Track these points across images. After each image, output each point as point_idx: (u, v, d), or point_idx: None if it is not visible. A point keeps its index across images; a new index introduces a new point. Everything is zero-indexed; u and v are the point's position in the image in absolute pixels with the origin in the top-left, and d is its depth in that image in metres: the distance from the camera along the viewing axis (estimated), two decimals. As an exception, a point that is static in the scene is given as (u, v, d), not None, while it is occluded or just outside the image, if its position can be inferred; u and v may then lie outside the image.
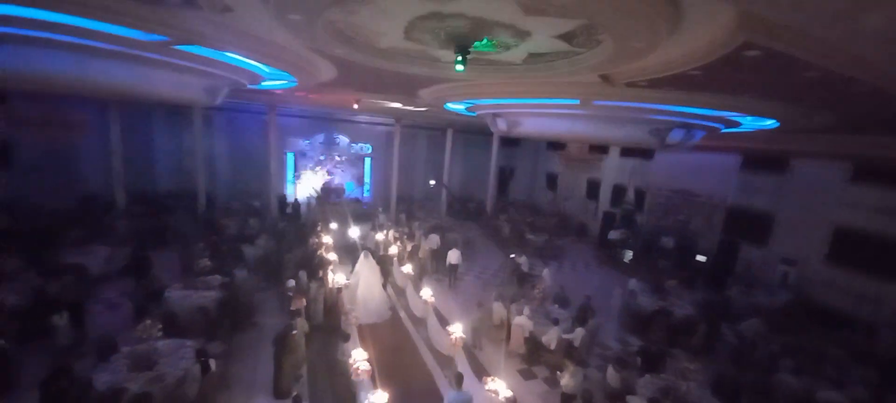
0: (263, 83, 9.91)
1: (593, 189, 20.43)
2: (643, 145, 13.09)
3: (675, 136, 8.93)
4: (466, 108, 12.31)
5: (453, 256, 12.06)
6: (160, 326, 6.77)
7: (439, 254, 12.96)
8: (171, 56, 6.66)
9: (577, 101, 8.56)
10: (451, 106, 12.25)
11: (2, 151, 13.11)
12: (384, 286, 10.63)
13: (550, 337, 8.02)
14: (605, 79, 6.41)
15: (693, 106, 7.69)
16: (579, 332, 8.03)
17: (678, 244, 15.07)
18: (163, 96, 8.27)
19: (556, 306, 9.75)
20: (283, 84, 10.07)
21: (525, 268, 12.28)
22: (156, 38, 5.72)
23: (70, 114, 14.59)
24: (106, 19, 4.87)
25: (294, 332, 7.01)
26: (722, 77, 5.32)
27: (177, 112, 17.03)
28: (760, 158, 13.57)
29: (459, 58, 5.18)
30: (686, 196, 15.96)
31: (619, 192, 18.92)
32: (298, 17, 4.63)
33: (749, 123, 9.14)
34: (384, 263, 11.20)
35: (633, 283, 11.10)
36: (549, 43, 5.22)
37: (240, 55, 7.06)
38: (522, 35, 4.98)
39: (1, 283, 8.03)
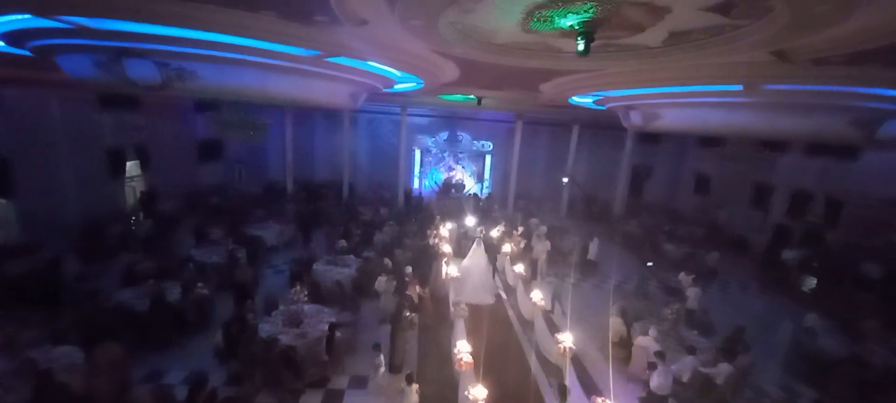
0: (395, 86, 10.88)
1: (762, 195, 16.53)
2: (842, 141, 9.98)
3: (892, 130, 6.55)
4: (594, 102, 11.33)
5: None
6: (306, 293, 8.07)
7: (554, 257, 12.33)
8: (323, 67, 7.82)
9: (740, 87, 7.02)
10: (576, 100, 11.43)
11: (216, 147, 17.44)
12: (493, 275, 11.13)
13: (683, 368, 6.82)
14: (780, 56, 5.07)
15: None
16: (724, 368, 6.62)
17: (889, 273, 11.13)
18: (318, 101, 9.84)
19: (695, 332, 8.25)
20: (411, 86, 10.88)
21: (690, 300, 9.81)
22: (312, 52, 6.80)
23: (259, 119, 18.59)
24: (277, 40, 5.99)
25: (407, 314, 7.54)
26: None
27: (331, 115, 20.09)
28: None
29: (582, 45, 4.73)
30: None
31: (800, 201, 14.90)
32: (419, 21, 4.89)
33: None
34: (492, 250, 11.85)
35: (811, 319, 8.65)
36: (697, 17, 4.35)
37: (375, 62, 7.88)
38: (660, 13, 4.28)
39: (207, 247, 10.72)
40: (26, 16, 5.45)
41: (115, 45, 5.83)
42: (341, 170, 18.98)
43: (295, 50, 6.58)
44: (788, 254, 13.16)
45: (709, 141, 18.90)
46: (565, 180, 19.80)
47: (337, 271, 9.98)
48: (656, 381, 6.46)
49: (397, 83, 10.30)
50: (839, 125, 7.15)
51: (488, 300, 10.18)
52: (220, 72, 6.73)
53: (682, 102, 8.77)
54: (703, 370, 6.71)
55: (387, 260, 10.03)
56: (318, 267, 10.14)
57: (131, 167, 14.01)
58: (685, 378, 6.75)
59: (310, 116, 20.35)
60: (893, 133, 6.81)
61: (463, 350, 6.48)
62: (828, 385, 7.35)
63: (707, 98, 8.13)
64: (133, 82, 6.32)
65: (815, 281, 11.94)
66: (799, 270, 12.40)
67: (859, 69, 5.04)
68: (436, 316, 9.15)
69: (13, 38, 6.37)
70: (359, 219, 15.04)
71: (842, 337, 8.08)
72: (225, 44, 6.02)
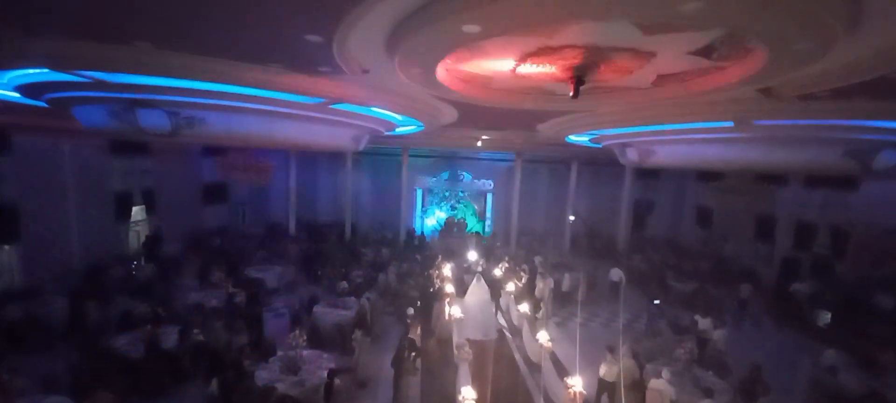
0: (396, 129, 11.20)
1: (766, 227, 16.41)
2: (839, 172, 10.06)
3: (888, 159, 6.63)
4: (590, 140, 11.57)
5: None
6: (305, 337, 7.90)
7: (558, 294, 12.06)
8: (327, 113, 8.11)
9: (731, 123, 7.19)
10: (572, 138, 11.69)
11: (221, 190, 17.72)
12: (495, 311, 10.74)
13: (699, 411, 6.52)
14: (767, 92, 5.25)
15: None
16: (742, 410, 6.33)
17: (905, 306, 10.83)
18: (322, 145, 10.13)
19: (711, 373, 7.94)
20: (412, 129, 11.20)
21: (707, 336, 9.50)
22: (317, 100, 7.09)
23: (264, 161, 19.04)
24: (281, 90, 6.27)
25: (410, 355, 7.35)
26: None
27: (334, 156, 20.51)
28: None
29: (573, 89, 4.94)
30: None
31: (805, 232, 14.78)
32: (419, 69, 5.13)
33: None
34: (494, 286, 11.51)
35: (830, 356, 8.33)
36: (681, 60, 4.57)
37: (377, 107, 8.17)
38: (646, 57, 4.49)
39: (207, 289, 10.63)
40: (44, 70, 5.77)
41: (129, 97, 6.13)
42: (343, 211, 19.13)
43: (300, 98, 6.86)
44: (799, 287, 12.87)
45: (707, 175, 19.01)
46: (572, 218, 19.82)
47: (337, 314, 9.82)
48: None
49: (398, 126, 10.61)
50: (834, 157, 7.23)
51: (491, 335, 9.98)
52: (227, 119, 7.00)
53: (677, 139, 8.94)
54: (720, 413, 6.41)
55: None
56: (318, 309, 9.99)
57: (137, 211, 14.19)
58: (701, 423, 6.43)
59: (313, 158, 20.78)
60: (890, 163, 6.87)
61: (468, 396, 6.25)
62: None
63: (700, 134, 8.30)
64: (144, 130, 6.58)
65: (829, 315, 11.61)
66: (810, 303, 12.09)
67: (846, 102, 5.19)
68: (439, 359, 8.90)
69: (31, 90, 6.70)
70: (361, 260, 14.97)
71: (860, 373, 7.74)
72: (233, 93, 6.31)
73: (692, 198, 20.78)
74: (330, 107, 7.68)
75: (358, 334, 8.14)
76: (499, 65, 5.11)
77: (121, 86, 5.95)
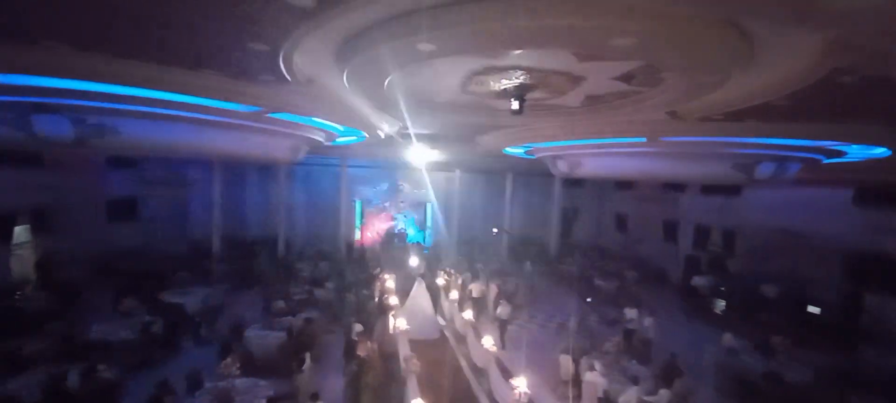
0: (337, 140, 10.91)
1: (671, 230, 18.70)
2: (728, 181, 11.86)
3: (765, 170, 8.00)
4: (525, 152, 12.31)
5: (504, 312, 10.94)
6: (239, 365, 7.30)
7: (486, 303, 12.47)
8: (263, 122, 7.66)
9: (644, 139, 8.15)
10: (509, 150, 12.34)
11: (132, 206, 15.72)
12: (436, 313, 11.67)
13: (629, 399, 7.19)
14: (674, 115, 6.07)
15: (783, 137, 6.90)
16: (665, 395, 7.11)
17: (783, 293, 12.99)
18: (257, 156, 9.50)
19: (635, 362, 8.81)
20: (353, 139, 11.00)
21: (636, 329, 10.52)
22: (253, 108, 6.68)
23: (185, 174, 17.27)
24: (214, 97, 5.82)
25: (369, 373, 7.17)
26: (814, 105, 4.76)
27: (265, 168, 19.26)
28: (880, 191, 11.53)
29: (515, 105, 5.28)
30: (791, 237, 13.86)
31: (702, 234, 17.08)
32: (367, 82, 5.12)
33: (856, 152, 7.91)
34: (435, 290, 12.31)
35: (728, 339, 9.68)
36: (607, 84, 5.14)
37: (319, 118, 7.92)
38: (577, 80, 4.98)
39: (118, 320, 9.36)
40: None
41: (25, 101, 5.25)
42: (276, 225, 18.00)
43: (234, 105, 6.43)
44: (699, 281, 14.79)
45: (624, 184, 21.25)
46: (495, 230, 20.88)
47: (274, 336, 9.20)
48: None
49: (340, 136, 10.36)
50: (724, 168, 8.54)
51: (433, 335, 10.89)
52: (146, 127, 6.29)
53: (601, 152, 9.90)
54: (646, 399, 7.13)
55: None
56: (251, 332, 9.28)
57: (20, 232, 12.03)
58: (630, 409, 7.10)
59: (240, 169, 19.31)
60: (767, 173, 8.31)
61: (417, 408, 6.24)
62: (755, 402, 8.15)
63: (620, 148, 9.29)
64: (40, 139, 5.66)
65: (725, 305, 13.51)
66: (710, 295, 13.96)
67: (736, 124, 6.20)
68: (386, 374, 8.73)
69: None
70: (298, 277, 14.19)
71: (756, 355, 9.10)
72: (154, 99, 5.71)
73: (611, 205, 22.94)
74: (267, 116, 7.29)
75: (307, 358, 7.71)
76: (446, 80, 5.30)
77: (17, 89, 5.09)
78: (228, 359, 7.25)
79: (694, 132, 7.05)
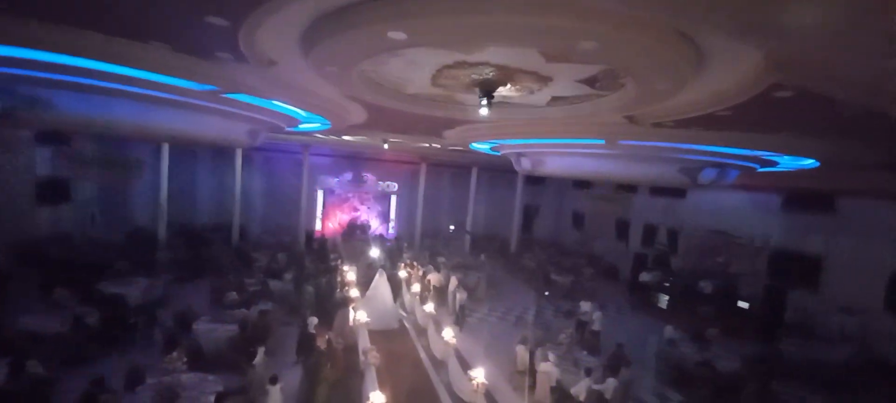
0: (300, 126, 10.51)
1: (622, 229, 19.79)
2: (674, 184, 12.70)
3: (708, 176, 8.65)
4: (491, 148, 12.49)
5: (461, 297, 11.77)
6: (185, 359, 6.91)
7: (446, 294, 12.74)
8: (219, 103, 7.22)
9: (603, 141, 8.53)
10: (476, 146, 12.47)
11: (65, 188, 14.30)
12: (396, 304, 11.81)
13: (580, 389, 7.57)
14: (631, 119, 6.39)
15: (725, 145, 7.49)
16: (611, 383, 7.55)
17: (718, 289, 14.17)
18: (211, 139, 8.90)
19: (585, 353, 9.27)
20: (317, 126, 10.63)
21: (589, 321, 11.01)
22: (207, 87, 6.27)
23: (128, 155, 15.91)
24: (164, 73, 5.40)
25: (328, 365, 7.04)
26: (753, 117, 5.20)
27: (219, 151, 18.20)
28: (804, 198, 12.84)
29: (484, 101, 5.33)
30: (725, 237, 15.14)
31: (650, 232, 18.22)
32: (334, 68, 4.96)
33: (787, 162, 8.75)
34: (396, 282, 12.48)
35: (669, 331, 10.44)
36: (572, 87, 5.32)
37: (281, 102, 7.58)
38: (544, 80, 5.12)
39: (49, 312, 8.54)
40: None
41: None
42: (230, 212, 17.11)
43: (188, 84, 6.01)
44: (646, 277, 15.79)
45: (582, 183, 22.18)
46: (452, 228, 21.15)
47: (224, 329, 8.78)
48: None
49: (302, 122, 9.98)
50: (672, 172, 9.14)
51: (393, 325, 11.05)
52: (84, 101, 5.74)
53: (563, 152, 10.26)
54: (595, 387, 7.54)
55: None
56: (200, 325, 8.80)
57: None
58: (582, 397, 7.48)
59: (191, 152, 18.12)
60: (709, 178, 8.99)
61: (376, 401, 6.22)
62: (689, 389, 8.84)
63: (581, 149, 9.67)
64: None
65: (668, 299, 14.53)
66: (655, 290, 14.96)
67: (685, 130, 6.64)
68: (346, 367, 8.61)
69: None
70: (253, 267, 13.59)
71: (694, 345, 9.88)
72: (94, 70, 5.21)
73: (570, 203, 23.88)
74: (223, 96, 6.88)
75: (261, 351, 7.42)
76: (416, 72, 5.25)
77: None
78: (174, 353, 6.83)
79: (647, 137, 7.46)
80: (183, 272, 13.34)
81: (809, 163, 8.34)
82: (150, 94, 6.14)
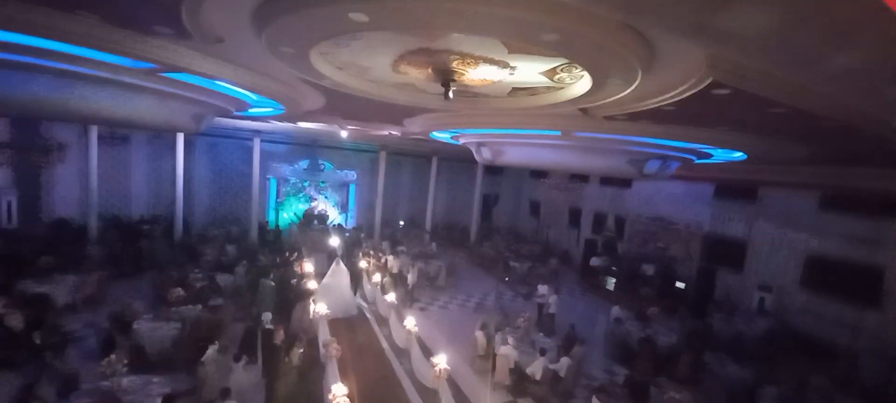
0: (250, 110, 9.91)
1: (575, 216, 20.78)
2: (622, 175, 13.45)
3: (652, 167, 9.27)
4: (451, 137, 12.52)
5: (411, 278, 12.74)
6: (126, 361, 6.40)
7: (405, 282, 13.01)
8: (158, 83, 6.62)
9: (559, 133, 8.85)
10: (436, 135, 12.45)
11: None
12: (355, 293, 11.89)
13: (536, 368, 7.94)
14: (585, 112, 6.67)
15: (668, 138, 8.05)
16: (565, 362, 7.98)
17: (658, 271, 15.36)
18: (148, 122, 8.09)
19: (542, 334, 9.70)
20: (270, 111, 10.08)
21: (546, 304, 11.54)
22: (144, 65, 5.71)
23: (49, 138, 14.18)
24: (93, 47, 4.84)
25: (287, 360, 6.80)
26: (693, 112, 5.62)
27: (156, 135, 16.73)
28: (732, 188, 14.16)
29: (445, 90, 5.33)
30: (664, 224, 16.38)
31: (600, 220, 19.28)
32: (290, 49, 4.71)
33: (720, 155, 9.58)
34: (355, 270, 12.58)
35: (616, 311, 11.18)
36: (532, 78, 5.45)
37: (228, 83, 7.08)
38: (506, 69, 5.20)
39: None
40: None
41: None
42: (171, 203, 15.89)
43: (120, 60, 5.45)
44: (596, 261, 16.75)
45: (539, 173, 22.93)
46: (401, 223, 21.19)
47: (169, 327, 8.22)
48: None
49: (252, 107, 9.42)
50: (621, 163, 9.70)
51: (352, 312, 11.16)
52: (1, 78, 5.03)
53: (522, 142, 10.53)
54: (550, 366, 7.94)
55: None
56: (140, 325, 8.16)
57: None
58: (538, 377, 7.85)
59: (123, 137, 16.49)
60: (653, 169, 9.64)
61: (338, 393, 6.14)
62: (633, 363, 9.55)
63: (538, 140, 9.98)
64: None
65: (615, 281, 15.53)
66: (604, 273, 15.92)
67: (634, 124, 7.05)
68: (306, 360, 8.39)
69: None
70: (199, 261, 12.77)
71: (637, 324, 10.65)
72: (8, 43, 4.58)
73: (527, 192, 24.63)
74: (161, 75, 6.31)
75: (212, 350, 7.02)
76: (377, 57, 5.12)
77: None
78: (112, 356, 6.30)
79: (599, 129, 7.84)
80: (118, 268, 12.25)
81: (739, 155, 9.20)
82: (74, 70, 5.49)
